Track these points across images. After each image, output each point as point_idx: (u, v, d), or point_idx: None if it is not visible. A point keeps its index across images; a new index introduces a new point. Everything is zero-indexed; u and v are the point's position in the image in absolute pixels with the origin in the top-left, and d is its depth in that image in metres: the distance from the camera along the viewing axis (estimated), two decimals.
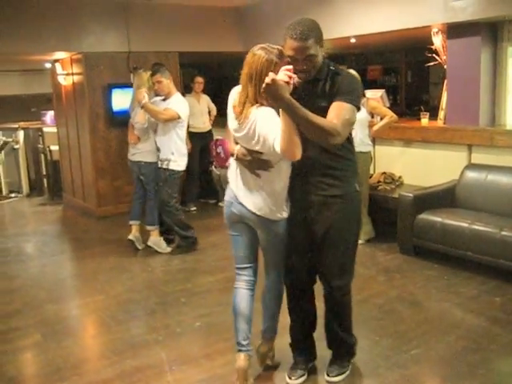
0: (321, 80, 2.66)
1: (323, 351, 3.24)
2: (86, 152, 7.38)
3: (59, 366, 3.44)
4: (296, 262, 2.97)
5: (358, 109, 2.66)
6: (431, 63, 5.85)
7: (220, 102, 5.59)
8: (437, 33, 5.78)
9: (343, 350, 3.17)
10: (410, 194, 5.10)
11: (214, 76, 10.34)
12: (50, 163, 8.97)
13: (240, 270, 3.12)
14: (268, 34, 7.49)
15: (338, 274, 2.92)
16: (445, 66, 5.75)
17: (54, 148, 8.75)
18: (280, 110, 2.49)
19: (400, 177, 6.01)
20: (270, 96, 2.40)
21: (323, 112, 2.55)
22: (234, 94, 2.82)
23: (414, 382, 3.07)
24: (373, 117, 5.87)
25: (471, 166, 5.29)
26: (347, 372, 3.14)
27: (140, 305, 4.35)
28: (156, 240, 5.75)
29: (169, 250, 5.73)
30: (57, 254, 5.96)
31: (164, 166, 5.37)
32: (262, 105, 2.63)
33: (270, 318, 3.18)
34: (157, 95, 5.49)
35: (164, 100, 5.39)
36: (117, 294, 4.60)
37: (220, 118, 7.13)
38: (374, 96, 6.20)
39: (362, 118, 5.46)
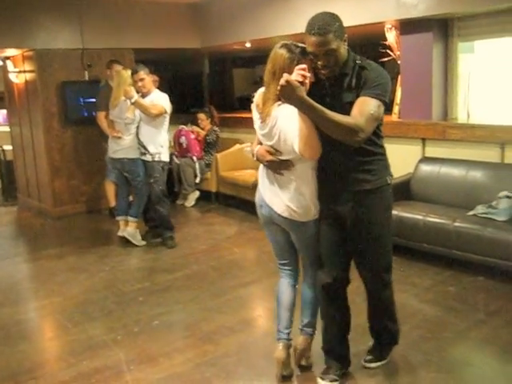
0: (347, 75, 2.60)
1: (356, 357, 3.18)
2: (40, 151, 7.22)
3: (14, 370, 3.36)
4: (330, 261, 2.88)
5: (385, 104, 2.59)
6: (385, 59, 5.93)
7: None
8: (390, 29, 5.86)
9: (387, 337, 3.16)
10: None
11: (175, 73, 10.31)
12: (3, 163, 8.76)
13: (280, 265, 3.14)
14: (226, 30, 7.51)
15: (379, 266, 2.92)
16: (399, 62, 5.84)
17: (8, 148, 8.55)
18: (297, 110, 2.46)
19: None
20: (285, 97, 2.40)
21: (351, 107, 2.52)
22: (258, 94, 2.81)
23: (370, 373, 3.12)
24: None
25: (425, 160, 5.40)
26: (385, 361, 3.16)
27: (98, 305, 4.29)
28: (132, 232, 5.76)
29: (143, 243, 5.76)
30: (11, 257, 5.82)
31: (156, 159, 5.47)
32: (284, 102, 2.59)
33: (308, 315, 3.12)
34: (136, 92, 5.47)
35: (143, 97, 5.38)
36: (74, 295, 4.53)
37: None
38: None
39: None
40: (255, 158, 2.86)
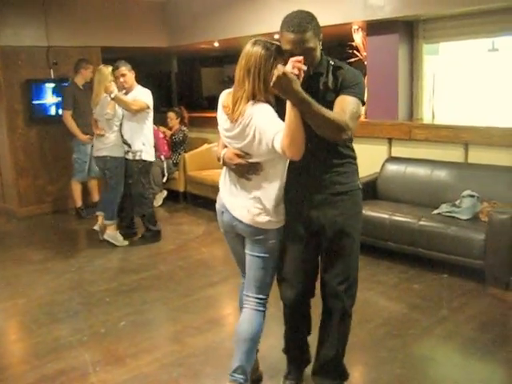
0: (321, 74, 2.54)
1: None
2: (4, 151, 7.08)
3: None
4: (297, 275, 2.70)
5: (363, 103, 2.56)
6: (352, 59, 5.99)
7: None
8: (357, 30, 5.93)
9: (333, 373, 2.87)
10: None
11: (143, 73, 10.18)
12: None
13: (242, 274, 2.95)
14: (194, 29, 7.48)
15: (345, 278, 2.67)
16: (365, 63, 5.91)
17: None
18: (287, 104, 2.35)
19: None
20: (281, 89, 2.26)
21: (328, 108, 2.43)
22: (224, 96, 2.69)
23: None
24: None
25: (391, 159, 5.48)
26: None
27: (63, 306, 4.22)
28: (113, 234, 5.71)
29: (126, 243, 5.72)
30: None
31: (137, 158, 5.45)
32: (259, 101, 2.50)
33: (244, 357, 2.72)
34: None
35: (126, 94, 5.36)
36: (39, 296, 4.45)
37: None
38: None
39: None
40: (221, 162, 2.71)
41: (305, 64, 2.37)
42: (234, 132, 2.58)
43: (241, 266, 2.91)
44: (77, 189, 6.81)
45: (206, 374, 3.18)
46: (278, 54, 2.49)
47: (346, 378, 2.89)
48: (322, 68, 2.55)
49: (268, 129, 2.43)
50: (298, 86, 2.25)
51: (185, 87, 10.54)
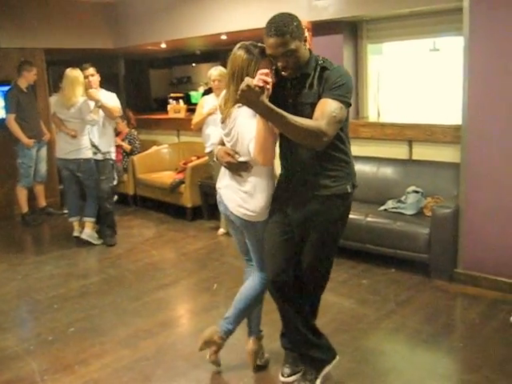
0: (309, 75, 2.56)
1: None
2: None
3: None
4: (277, 259, 2.78)
5: (349, 105, 2.53)
6: None
7: None
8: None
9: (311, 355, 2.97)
10: None
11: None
12: None
13: (246, 261, 3.15)
14: (140, 30, 7.40)
15: (315, 275, 2.85)
16: None
17: None
18: (257, 115, 2.41)
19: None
20: (245, 102, 2.31)
21: (312, 109, 2.47)
22: (221, 96, 2.78)
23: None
24: None
25: None
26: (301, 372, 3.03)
27: (9, 316, 4.11)
28: (91, 233, 5.73)
29: (101, 241, 5.73)
30: None
31: (107, 157, 5.62)
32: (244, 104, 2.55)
33: (255, 318, 3.15)
34: None
35: None
36: None
37: None
38: None
39: None
40: (215, 158, 2.88)
41: (284, 68, 2.48)
42: (225, 131, 2.76)
43: (242, 253, 3.12)
44: (22, 195, 6.63)
45: (157, 376, 3.16)
46: (262, 57, 2.54)
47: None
48: (310, 69, 2.57)
49: (246, 134, 2.57)
50: (261, 97, 2.26)
51: (133, 89, 10.40)
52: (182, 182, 6.44)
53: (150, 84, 11.13)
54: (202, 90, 9.55)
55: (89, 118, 5.42)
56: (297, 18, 2.54)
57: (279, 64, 2.51)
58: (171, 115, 8.15)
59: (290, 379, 3.02)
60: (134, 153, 7.41)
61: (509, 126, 3.77)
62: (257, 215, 2.77)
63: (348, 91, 2.52)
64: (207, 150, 5.71)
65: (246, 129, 2.57)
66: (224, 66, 5.98)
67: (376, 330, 3.60)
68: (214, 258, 5.23)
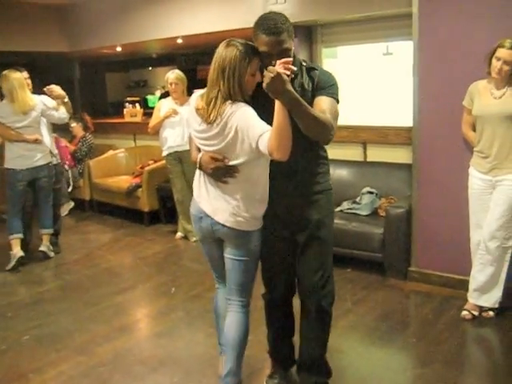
0: (297, 75, 2.53)
1: None
2: None
3: None
4: (278, 277, 2.76)
5: (338, 103, 2.56)
6: None
7: None
8: None
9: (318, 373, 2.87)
10: None
11: (43, 79, 9.79)
12: None
13: (216, 278, 2.94)
14: (95, 33, 7.31)
15: (321, 275, 2.67)
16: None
17: None
18: (277, 106, 2.30)
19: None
20: (274, 90, 2.21)
21: None
22: (196, 98, 2.59)
23: (245, 367, 3.16)
24: None
25: None
26: None
27: None
28: (48, 244, 5.40)
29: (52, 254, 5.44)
30: None
31: (59, 161, 5.42)
32: (236, 100, 2.44)
33: (232, 358, 2.68)
34: None
35: None
36: None
37: None
38: None
39: None
40: (198, 166, 2.64)
41: (293, 64, 2.37)
42: (210, 133, 2.51)
43: (216, 272, 2.88)
44: None
45: (114, 382, 3.13)
46: (253, 54, 2.47)
47: (330, 375, 2.88)
48: (296, 69, 2.54)
49: (251, 129, 2.39)
50: (290, 86, 2.22)
51: (89, 93, 10.25)
52: (138, 186, 6.39)
53: (107, 88, 11.02)
54: (158, 93, 9.53)
55: (62, 115, 5.17)
56: (286, 16, 2.50)
57: (273, 63, 2.42)
58: (128, 119, 8.08)
59: None
60: (77, 155, 7.29)
61: (456, 127, 3.89)
62: (253, 222, 2.59)
63: (337, 91, 2.57)
64: (164, 153, 5.69)
65: (250, 125, 2.40)
66: (181, 69, 6.04)
67: (333, 329, 3.55)
68: (172, 261, 5.21)
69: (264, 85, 2.21)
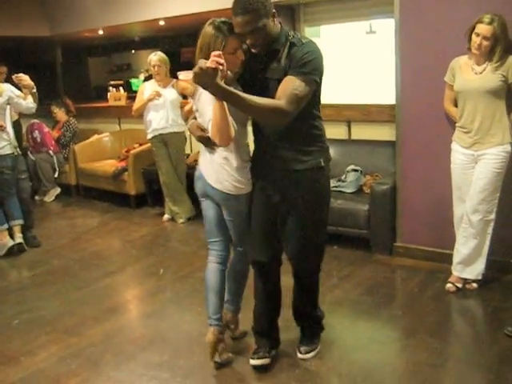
0: (278, 51, 2.54)
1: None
2: None
3: None
4: (263, 240, 2.84)
5: (315, 82, 2.52)
6: None
7: None
8: None
9: (312, 325, 3.15)
10: None
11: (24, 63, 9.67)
12: None
13: (210, 245, 3.06)
14: (77, 17, 7.23)
15: (305, 253, 2.85)
16: None
17: None
18: (213, 97, 2.38)
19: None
20: (200, 84, 2.27)
21: (278, 85, 2.46)
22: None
23: (233, 343, 3.25)
24: (187, 98, 5.97)
25: None
26: (318, 348, 3.09)
27: None
28: (21, 235, 5.20)
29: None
30: None
31: (17, 152, 5.13)
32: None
33: (232, 293, 3.12)
34: None
35: None
36: None
37: None
38: (187, 77, 6.20)
39: (173, 98, 5.57)
40: (187, 132, 2.91)
41: (253, 46, 2.48)
42: (195, 107, 2.78)
43: (209, 232, 3.04)
44: None
45: (105, 361, 3.16)
46: (230, 32, 2.52)
47: (321, 329, 3.19)
48: (279, 44, 2.55)
49: (206, 113, 2.58)
50: (216, 79, 2.21)
51: (71, 78, 10.14)
52: (124, 169, 6.39)
53: (89, 72, 10.93)
54: (142, 76, 9.46)
55: (30, 105, 5.05)
56: None
57: (248, 41, 2.50)
58: (111, 103, 8.03)
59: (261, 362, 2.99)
60: (61, 141, 7.26)
61: (438, 103, 3.92)
62: (239, 187, 2.77)
63: (315, 68, 2.51)
64: (149, 136, 5.68)
65: (206, 108, 2.59)
66: (164, 51, 6.01)
67: (319, 304, 3.68)
68: (160, 243, 5.24)
69: (191, 79, 2.30)
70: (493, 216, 3.64)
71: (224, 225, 2.96)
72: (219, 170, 2.76)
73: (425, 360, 2.97)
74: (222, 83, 2.26)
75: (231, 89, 2.30)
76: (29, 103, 5.05)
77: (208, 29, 2.58)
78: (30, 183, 5.63)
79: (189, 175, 5.81)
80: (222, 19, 2.59)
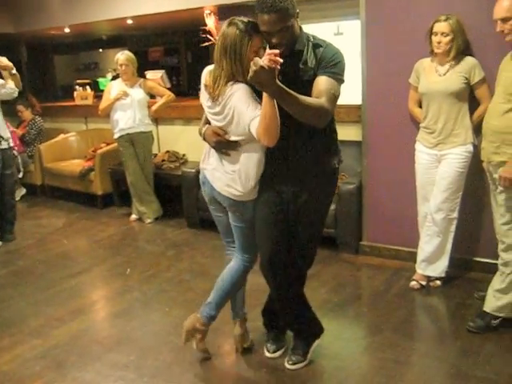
0: (301, 52, 2.52)
1: None
2: None
3: None
4: (271, 243, 2.78)
5: (343, 83, 2.54)
6: (206, 44, 6.08)
7: None
8: (209, 14, 6.00)
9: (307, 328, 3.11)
10: (193, 170, 5.30)
11: None
12: None
13: (228, 244, 3.06)
14: (42, 14, 7.11)
15: (313, 245, 2.94)
16: None
17: None
18: (264, 95, 2.31)
19: (184, 154, 6.20)
20: (259, 83, 2.21)
21: (307, 86, 2.44)
22: (206, 74, 2.66)
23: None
24: (154, 97, 5.95)
25: None
26: (307, 361, 3.03)
27: None
28: None
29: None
30: None
31: (11, 145, 5.14)
32: (237, 81, 2.49)
33: (214, 296, 3.00)
34: None
35: None
36: None
37: None
38: (155, 77, 6.27)
39: (140, 98, 5.53)
40: (202, 138, 2.77)
41: (279, 45, 2.40)
42: (215, 110, 2.64)
43: (225, 236, 3.03)
44: None
45: (70, 363, 3.13)
46: (254, 31, 2.48)
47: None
48: (301, 45, 2.54)
49: (245, 112, 2.47)
50: (274, 78, 2.20)
51: (37, 77, 10.00)
52: (91, 169, 6.32)
53: (55, 70, 10.76)
54: (110, 75, 9.37)
55: (10, 90, 4.93)
56: None
57: (273, 41, 2.46)
58: (78, 102, 7.92)
59: (276, 354, 3.08)
60: (26, 138, 7.13)
61: (403, 104, 4.00)
62: (246, 194, 2.72)
63: (343, 69, 2.55)
64: (116, 135, 5.63)
65: (245, 107, 2.48)
66: (132, 51, 5.96)
67: None
68: (127, 243, 5.20)
69: (248, 77, 2.23)
70: (456, 214, 3.72)
71: None
72: (227, 177, 2.71)
73: (389, 356, 3.02)
74: (278, 82, 2.24)
75: (286, 88, 2.27)
76: (8, 88, 4.96)
77: (231, 29, 2.49)
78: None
79: (156, 175, 5.81)
80: (241, 18, 2.54)
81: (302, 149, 2.67)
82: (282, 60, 2.20)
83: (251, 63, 2.20)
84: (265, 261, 2.82)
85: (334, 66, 2.50)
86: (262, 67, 2.15)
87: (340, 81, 2.53)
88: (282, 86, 2.25)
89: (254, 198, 2.76)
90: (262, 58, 2.21)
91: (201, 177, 2.90)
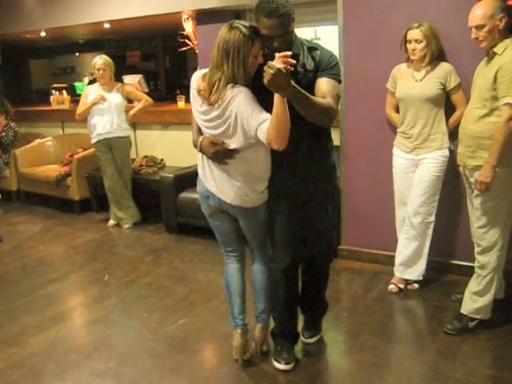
0: (297, 55, 2.53)
1: None
2: None
3: None
4: (289, 243, 2.83)
5: (341, 83, 2.64)
6: (184, 48, 6.07)
7: None
8: (187, 19, 6.00)
9: (321, 307, 3.28)
10: (171, 175, 5.29)
11: None
12: None
13: (227, 252, 3.06)
14: (17, 17, 7.02)
15: (330, 237, 3.08)
16: (197, 51, 6.01)
17: None
18: (276, 98, 2.31)
19: (162, 159, 6.17)
20: (276, 86, 2.22)
21: (305, 89, 2.41)
22: (198, 79, 2.63)
23: (180, 348, 3.24)
24: (132, 102, 5.92)
25: None
26: (321, 333, 3.30)
27: None
28: None
29: None
30: None
31: None
32: (238, 84, 2.49)
33: (263, 301, 3.05)
34: None
35: None
36: None
37: None
38: (132, 81, 6.24)
39: (118, 102, 5.50)
40: (198, 150, 2.71)
41: (279, 49, 2.39)
42: (211, 115, 2.58)
43: (230, 246, 3.02)
44: None
45: (48, 371, 3.09)
46: (256, 36, 2.49)
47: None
48: (297, 49, 2.57)
49: (251, 117, 2.45)
50: (290, 80, 2.22)
51: (12, 80, 9.89)
52: (68, 174, 6.25)
53: (31, 74, 10.64)
54: (87, 80, 9.29)
55: None
56: None
57: (275, 44, 2.48)
58: (54, 107, 7.84)
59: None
60: (1, 142, 7.02)
61: (380, 109, 4.03)
62: (256, 199, 2.74)
63: (340, 71, 2.64)
64: (93, 140, 5.58)
65: (250, 111, 2.46)
66: (109, 55, 5.93)
67: None
68: (105, 249, 5.15)
69: (265, 81, 2.23)
70: (433, 218, 3.76)
71: (241, 234, 2.96)
72: (237, 186, 2.68)
73: (368, 359, 3.05)
74: (294, 84, 2.26)
75: (301, 89, 2.30)
76: None
77: (233, 33, 2.48)
78: None
79: (134, 180, 5.77)
80: (241, 22, 2.55)
81: (310, 150, 2.71)
82: (294, 61, 2.25)
83: (265, 67, 2.22)
84: (287, 266, 2.85)
85: (332, 67, 2.58)
86: (279, 70, 2.17)
87: (339, 81, 2.62)
88: (297, 87, 2.29)
89: (266, 201, 2.78)
90: (274, 61, 2.23)
91: (202, 190, 2.86)
